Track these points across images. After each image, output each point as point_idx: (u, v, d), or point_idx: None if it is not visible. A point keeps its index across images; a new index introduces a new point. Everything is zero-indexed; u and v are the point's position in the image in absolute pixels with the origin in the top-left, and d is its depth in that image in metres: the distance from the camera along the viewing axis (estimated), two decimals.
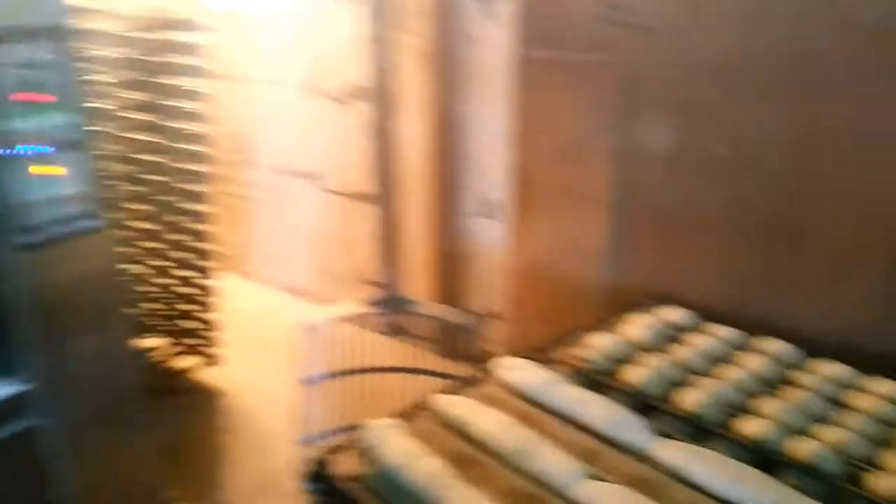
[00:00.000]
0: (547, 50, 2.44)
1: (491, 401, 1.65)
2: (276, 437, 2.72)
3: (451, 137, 3.00)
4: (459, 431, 1.55)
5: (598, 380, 1.79)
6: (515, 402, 1.65)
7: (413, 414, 1.65)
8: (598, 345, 1.91)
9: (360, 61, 2.82)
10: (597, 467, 1.44)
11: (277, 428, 2.75)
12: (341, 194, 3.51)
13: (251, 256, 4.09)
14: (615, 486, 1.36)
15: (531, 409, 1.63)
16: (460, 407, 1.60)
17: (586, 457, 1.47)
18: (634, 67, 2.24)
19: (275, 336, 3.13)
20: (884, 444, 1.55)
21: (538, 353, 1.92)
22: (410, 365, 2.60)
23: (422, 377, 2.56)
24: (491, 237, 2.99)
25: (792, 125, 1.99)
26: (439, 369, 2.57)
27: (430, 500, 1.33)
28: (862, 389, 1.76)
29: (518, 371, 1.74)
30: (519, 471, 1.43)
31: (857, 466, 1.47)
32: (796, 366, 1.87)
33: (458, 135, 2.98)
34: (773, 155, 2.04)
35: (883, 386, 1.75)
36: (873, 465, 1.48)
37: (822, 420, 1.63)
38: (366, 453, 1.51)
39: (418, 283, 3.21)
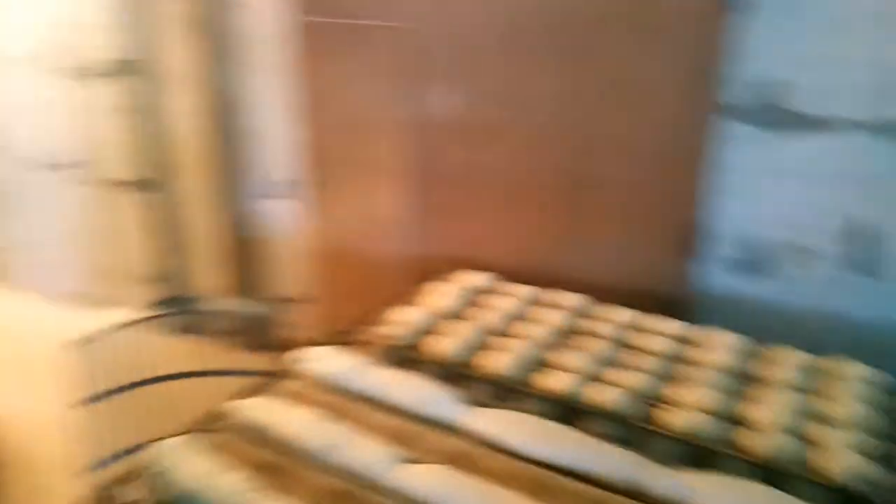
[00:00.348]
0: (328, 15, 2.31)
1: (295, 397, 1.53)
2: (55, 472, 2.38)
3: (230, 114, 2.77)
4: (263, 437, 1.42)
5: (406, 356, 1.75)
6: (322, 395, 1.55)
7: (210, 425, 1.49)
8: (402, 319, 1.86)
9: (112, 31, 2.49)
10: (413, 450, 1.39)
11: (55, 461, 2.41)
12: (104, 183, 3.12)
13: (9, 262, 3.56)
14: (433, 467, 1.32)
15: (339, 399, 1.54)
16: (261, 410, 1.47)
17: (401, 440, 1.41)
18: (422, 32, 2.18)
19: (43, 353, 2.74)
20: (672, 379, 1.66)
21: (343, 337, 1.83)
22: (209, 367, 2.38)
23: (224, 379, 2.36)
24: (286, 218, 2.82)
25: (563, 82, 2.05)
26: (242, 367, 2.38)
27: None
28: (648, 330, 1.87)
29: (321, 361, 1.63)
30: (330, 469, 1.34)
31: (652, 405, 1.56)
32: (588, 315, 1.95)
33: (237, 111, 2.76)
34: (549, 113, 2.09)
35: (666, 325, 1.88)
36: (666, 401, 1.57)
37: (616, 365, 1.71)
38: (157, 478, 1.33)
39: (209, 276, 2.97)
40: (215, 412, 1.51)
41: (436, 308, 1.94)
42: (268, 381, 1.64)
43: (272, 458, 1.36)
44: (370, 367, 1.63)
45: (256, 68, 2.66)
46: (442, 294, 2.01)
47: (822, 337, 1.91)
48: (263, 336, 2.74)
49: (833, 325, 1.97)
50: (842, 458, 1.36)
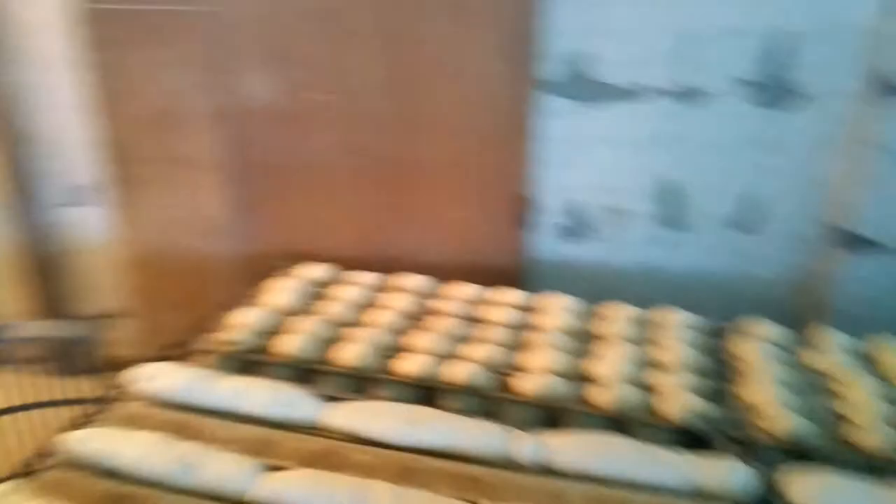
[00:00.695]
0: (115, 2, 2.10)
1: (133, 421, 1.39)
2: None
3: (9, 115, 2.45)
4: (103, 469, 1.28)
5: (251, 360, 1.65)
6: (162, 415, 1.42)
7: (38, 464, 1.31)
8: (241, 322, 1.75)
9: None
10: (273, 457, 1.32)
11: None
12: None
13: None
14: (297, 472, 1.26)
15: (183, 416, 1.42)
16: (97, 439, 1.32)
17: (259, 449, 1.33)
18: (227, 15, 2.05)
19: None
20: (520, 347, 1.71)
21: (176, 350, 1.69)
22: (28, 400, 2.11)
23: (48, 411, 2.10)
24: (93, 227, 2.56)
25: (386, 65, 2.03)
26: (66, 396, 2.13)
27: None
28: (491, 303, 1.92)
29: (157, 378, 1.49)
30: (185, 491, 1.23)
31: (505, 374, 1.60)
32: (434, 295, 1.97)
33: (19, 111, 2.45)
34: (373, 96, 2.07)
35: (507, 296, 1.94)
36: (517, 368, 1.62)
37: (466, 340, 1.74)
38: None
39: (9, 299, 2.63)
40: (43, 449, 1.33)
41: (276, 306, 1.85)
42: (99, 407, 1.47)
43: (117, 489, 1.22)
44: (213, 378, 1.52)
45: (42, 63, 2.38)
46: (281, 291, 1.92)
47: (646, 290, 2.06)
48: (82, 359, 2.48)
49: (654, 277, 2.14)
50: (678, 399, 1.48)
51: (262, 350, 1.68)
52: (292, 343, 1.66)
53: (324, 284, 2.01)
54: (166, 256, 2.35)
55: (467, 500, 1.20)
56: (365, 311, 1.87)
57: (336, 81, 2.06)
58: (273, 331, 1.75)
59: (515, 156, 2.08)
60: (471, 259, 2.12)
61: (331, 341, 1.71)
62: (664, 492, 1.24)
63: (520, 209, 2.12)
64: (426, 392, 1.55)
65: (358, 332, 1.72)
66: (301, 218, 2.22)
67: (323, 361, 1.64)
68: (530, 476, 1.28)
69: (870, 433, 1.39)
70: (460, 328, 1.78)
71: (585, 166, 2.10)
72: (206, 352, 1.68)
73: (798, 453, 1.35)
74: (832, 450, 1.37)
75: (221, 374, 1.54)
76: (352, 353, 1.63)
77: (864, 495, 1.21)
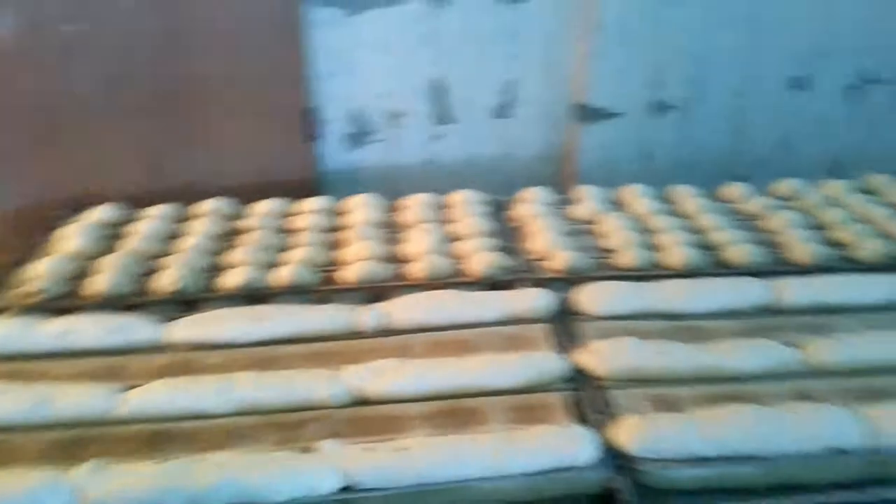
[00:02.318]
0: None
1: None
2: None
3: None
4: None
5: (62, 306, 1.58)
6: None
7: None
8: (39, 273, 1.66)
9: None
10: (124, 379, 1.33)
11: None
12: None
13: None
14: (155, 383, 1.29)
15: (16, 364, 1.36)
16: None
17: (108, 375, 1.33)
18: None
19: None
20: (333, 245, 1.83)
21: None
22: None
23: None
24: None
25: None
26: None
27: None
28: (295, 213, 2.00)
29: None
30: (47, 426, 1.21)
31: (325, 271, 1.72)
32: (237, 215, 2.00)
33: None
34: (133, 19, 1.97)
35: (309, 204, 2.03)
36: (336, 263, 1.75)
37: (280, 249, 1.81)
38: None
39: None
40: None
41: (72, 251, 1.77)
42: None
43: None
44: (30, 325, 1.45)
45: None
46: (73, 236, 1.83)
47: (432, 181, 2.26)
48: None
49: (437, 169, 2.36)
50: (481, 259, 1.71)
51: (70, 295, 1.62)
52: (102, 281, 1.62)
53: (118, 224, 1.94)
54: None
55: (330, 371, 1.32)
56: (169, 241, 1.85)
57: (86, 10, 1.93)
58: (76, 275, 1.68)
59: (293, 69, 2.13)
60: (265, 177, 2.16)
61: (142, 275, 1.69)
62: (488, 324, 1.47)
63: (306, 122, 2.19)
64: (252, 300, 1.61)
65: (169, 260, 1.71)
66: (78, 160, 2.09)
67: (139, 294, 1.63)
68: (376, 338, 1.44)
69: (626, 253, 1.74)
70: (272, 239, 1.84)
71: (362, 73, 2.21)
72: (10, 307, 1.57)
73: (576, 280, 1.65)
74: (600, 270, 1.70)
75: (37, 321, 1.47)
76: (169, 278, 1.63)
77: (628, 290, 1.54)
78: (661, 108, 2.38)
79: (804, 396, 1.28)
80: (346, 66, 2.18)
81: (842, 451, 1.17)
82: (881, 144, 2.67)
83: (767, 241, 1.83)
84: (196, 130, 2.13)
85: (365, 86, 2.21)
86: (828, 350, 1.36)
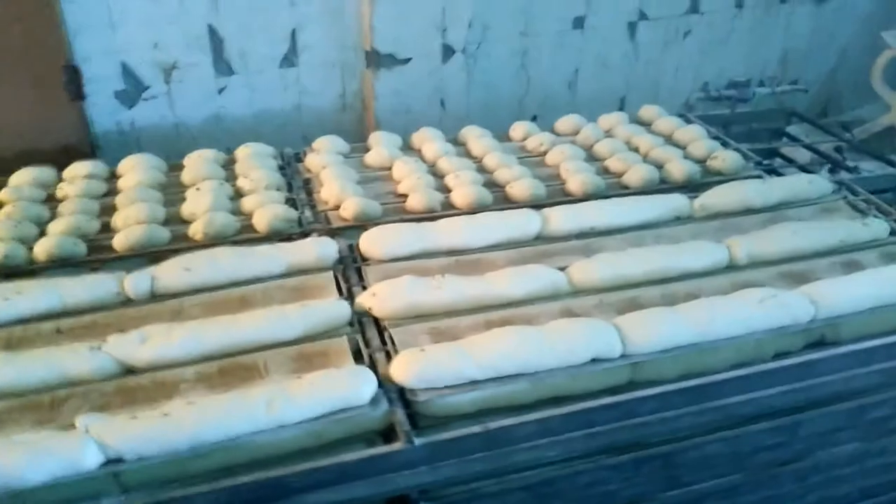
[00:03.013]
0: None
1: None
2: None
3: None
4: None
5: None
6: None
7: None
8: None
9: None
10: None
11: None
12: None
13: None
14: None
15: None
16: None
17: None
18: None
19: None
20: (104, 212, 1.70)
21: None
22: None
23: None
24: None
25: None
26: None
27: None
28: (64, 180, 1.83)
29: None
30: None
31: (96, 239, 1.59)
32: None
33: None
34: None
35: (78, 169, 1.86)
36: (108, 230, 1.62)
37: (44, 220, 1.66)
38: None
39: None
40: None
41: None
42: None
43: None
44: None
45: None
46: None
47: (217, 137, 2.16)
48: None
49: (222, 124, 2.24)
50: (266, 213, 1.66)
51: None
52: None
53: None
54: None
55: (92, 344, 1.23)
56: None
57: None
58: None
59: (47, 24, 1.92)
60: (29, 143, 1.95)
61: None
62: (272, 278, 1.44)
63: (69, 80, 1.99)
64: (11, 275, 1.47)
65: None
66: None
67: None
68: (146, 305, 1.36)
69: (415, 197, 1.76)
70: (33, 210, 1.68)
71: (128, 24, 2.04)
72: None
73: (366, 227, 1.64)
74: (389, 215, 1.71)
75: None
76: None
77: (407, 231, 1.56)
78: (449, 52, 2.40)
79: (570, 314, 1.37)
80: (110, 16, 1.99)
81: (599, 361, 1.27)
82: (658, 79, 2.90)
83: (547, 176, 1.92)
84: None
85: (133, 37, 2.04)
86: (589, 269, 1.46)
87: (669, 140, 2.13)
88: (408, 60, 2.35)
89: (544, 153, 2.06)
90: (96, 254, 1.56)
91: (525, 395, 1.24)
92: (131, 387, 1.18)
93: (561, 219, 1.63)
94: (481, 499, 1.25)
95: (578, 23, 2.63)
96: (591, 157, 2.05)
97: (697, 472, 1.41)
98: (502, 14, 2.48)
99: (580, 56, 2.72)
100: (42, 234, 1.59)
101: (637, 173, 1.90)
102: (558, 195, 1.84)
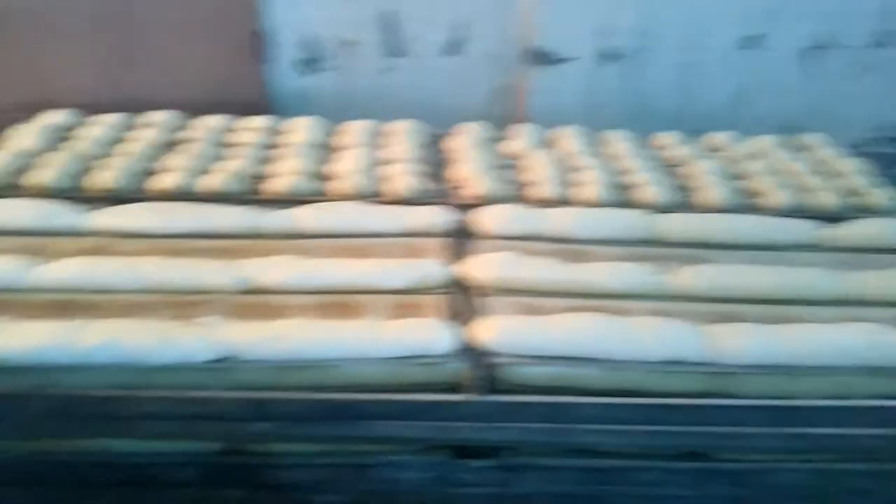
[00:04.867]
0: None
1: None
2: None
3: None
4: None
5: (3, 195, 1.69)
6: None
7: None
8: None
9: None
10: (44, 257, 1.45)
11: None
12: None
13: None
14: (71, 260, 1.41)
15: None
16: None
17: (28, 252, 1.45)
18: None
19: None
20: (268, 160, 1.93)
21: None
22: None
23: None
24: None
25: None
26: None
27: None
28: (237, 129, 2.10)
29: None
30: None
31: (256, 181, 1.82)
32: (181, 127, 2.09)
33: None
34: None
35: (252, 122, 2.12)
36: (267, 175, 1.85)
37: (217, 159, 1.92)
38: None
39: None
40: None
41: (21, 149, 1.88)
42: None
43: None
44: None
45: None
46: (24, 136, 1.93)
47: (377, 112, 2.35)
48: None
49: (384, 101, 2.44)
50: (401, 182, 1.81)
51: (13, 186, 1.73)
52: (44, 175, 1.73)
53: (67, 128, 2.04)
54: None
55: (230, 262, 1.44)
56: (113, 146, 1.95)
57: None
58: (22, 170, 1.79)
59: None
60: (213, 96, 2.24)
61: (83, 172, 1.79)
62: (390, 236, 1.58)
63: (257, 44, 2.27)
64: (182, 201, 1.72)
65: (110, 161, 1.82)
66: (35, 68, 2.18)
67: (78, 188, 1.74)
68: (279, 240, 1.55)
69: (541, 186, 1.83)
70: (210, 150, 1.95)
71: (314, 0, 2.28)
72: None
73: (485, 205, 1.75)
74: (510, 198, 1.79)
75: None
76: (105, 177, 1.74)
77: (521, 213, 1.64)
78: (610, 56, 2.44)
79: (662, 315, 1.38)
80: None
81: (678, 363, 1.28)
82: (833, 108, 2.73)
83: (680, 186, 1.92)
84: (145, 47, 2.21)
85: (317, 12, 2.28)
86: (692, 276, 1.46)
87: (823, 169, 2.04)
88: (565, 60, 2.42)
89: (683, 164, 2.05)
90: (252, 195, 1.78)
91: (598, 381, 1.28)
92: (252, 302, 1.36)
93: (679, 225, 1.64)
94: (538, 470, 1.31)
95: (751, 42, 2.56)
96: (733, 175, 2.01)
97: (767, 499, 1.38)
98: (669, 24, 2.47)
99: (748, 76, 2.64)
100: (212, 171, 1.84)
101: (776, 196, 1.85)
102: (687, 207, 1.83)
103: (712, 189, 1.85)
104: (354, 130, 2.10)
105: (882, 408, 1.27)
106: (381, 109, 2.40)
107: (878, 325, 1.34)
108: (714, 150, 2.18)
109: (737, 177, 2.00)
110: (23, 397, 1.17)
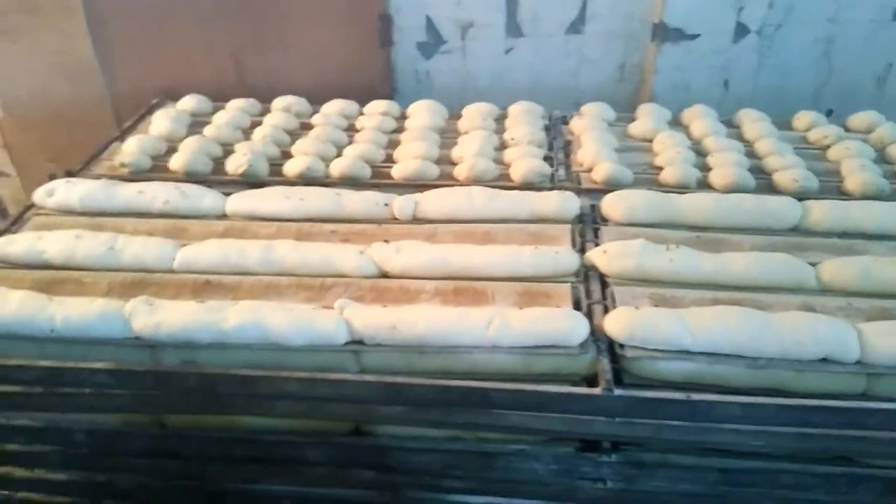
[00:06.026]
0: None
1: (49, 227, 1.54)
2: None
3: None
4: (32, 264, 1.44)
5: (142, 177, 1.78)
6: (75, 220, 1.58)
7: None
8: (128, 149, 1.87)
9: None
10: (185, 238, 1.52)
11: None
12: None
13: None
14: (209, 242, 1.47)
15: (94, 220, 1.59)
16: (16, 243, 1.47)
17: (171, 234, 1.53)
18: None
19: None
20: (392, 144, 1.95)
21: (74, 175, 1.81)
22: None
23: None
24: None
25: None
26: None
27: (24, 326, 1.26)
28: (363, 114, 2.12)
29: (62, 190, 1.63)
30: (116, 269, 1.43)
31: (379, 166, 1.84)
32: (308, 112, 2.14)
33: None
34: None
35: (377, 106, 2.14)
36: (391, 160, 1.86)
37: (342, 143, 1.95)
38: None
39: None
40: None
41: (159, 133, 1.97)
42: (14, 222, 1.61)
43: (51, 276, 1.40)
44: (112, 186, 1.66)
45: None
46: (161, 120, 2.03)
47: (500, 94, 2.31)
48: None
49: (506, 82, 2.40)
50: (523, 165, 1.77)
51: (151, 169, 1.83)
52: (179, 159, 1.81)
53: (201, 113, 2.13)
54: (36, 107, 2.38)
55: (359, 247, 1.46)
56: (245, 130, 2.02)
57: None
58: (159, 153, 1.89)
59: None
60: (340, 80, 2.28)
61: (216, 157, 1.87)
62: (515, 221, 1.56)
63: (384, 29, 2.28)
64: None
65: (240, 146, 1.88)
66: (168, 55, 2.29)
67: (211, 172, 1.81)
68: (406, 225, 1.56)
69: (670, 170, 1.75)
70: (335, 134, 1.98)
71: None
72: (101, 176, 1.79)
73: (615, 188, 1.69)
74: (639, 183, 1.73)
75: (118, 184, 1.68)
76: (236, 162, 1.80)
77: (652, 199, 1.57)
78: (743, 31, 2.29)
79: (810, 310, 1.29)
80: None
81: (831, 362, 1.19)
82: None
83: (825, 171, 1.79)
84: (275, 34, 2.26)
85: None
86: (843, 268, 1.35)
87: None
88: (696, 36, 2.29)
89: (827, 147, 1.91)
90: (378, 178, 1.80)
91: (740, 378, 1.21)
92: (383, 287, 1.37)
93: (824, 213, 1.52)
94: (672, 468, 1.26)
95: None
96: (882, 160, 1.85)
97: None
98: None
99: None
100: (339, 154, 1.87)
101: None
102: (833, 193, 1.70)
103: (859, 174, 1.71)
104: (475, 113, 2.08)
105: None
106: (503, 91, 2.37)
107: None
108: (860, 131, 2.01)
109: (889, 162, 1.84)
110: (170, 375, 1.23)
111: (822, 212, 1.53)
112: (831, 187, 1.73)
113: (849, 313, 1.29)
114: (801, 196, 1.64)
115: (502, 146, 1.92)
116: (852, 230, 1.51)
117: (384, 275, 1.42)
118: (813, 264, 1.39)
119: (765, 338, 1.19)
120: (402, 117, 2.11)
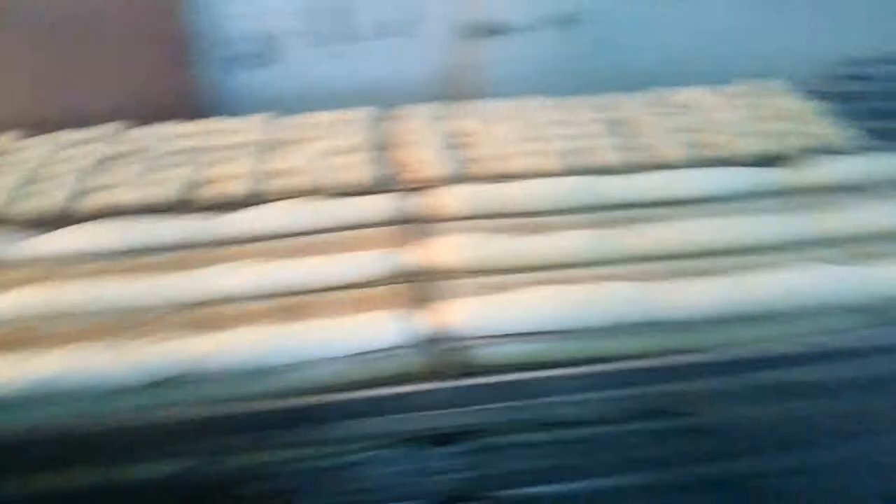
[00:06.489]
0: None
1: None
2: None
3: None
4: None
5: None
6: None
7: None
8: None
9: None
10: None
11: None
12: None
13: None
14: (15, 292, 1.36)
15: None
16: None
17: None
18: None
19: None
20: (211, 165, 1.87)
21: None
22: None
23: None
24: None
25: None
26: None
27: None
28: (182, 135, 2.02)
29: None
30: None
31: (201, 186, 1.76)
32: (123, 139, 2.01)
33: None
34: None
35: (197, 126, 2.05)
36: (211, 180, 1.79)
37: (159, 169, 1.84)
38: None
39: None
40: None
41: None
42: None
43: None
44: None
45: None
46: None
47: (327, 101, 2.27)
48: None
49: (332, 93, 2.37)
50: (349, 171, 1.76)
51: None
52: None
53: (7, 152, 1.97)
54: None
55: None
56: (53, 165, 1.88)
57: None
58: None
59: None
60: (149, 101, 2.16)
61: (19, 198, 1.72)
62: (335, 230, 1.54)
63: (195, 43, 2.19)
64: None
65: (47, 185, 1.75)
66: None
67: (14, 213, 1.67)
68: (229, 246, 1.51)
69: (496, 161, 1.80)
70: (153, 160, 1.88)
71: None
72: None
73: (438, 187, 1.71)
74: (464, 177, 1.76)
75: None
76: (43, 200, 1.68)
77: (475, 191, 1.63)
78: (568, 20, 2.36)
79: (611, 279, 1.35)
80: None
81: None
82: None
83: (636, 145, 1.89)
84: (78, 58, 2.13)
85: (247, 7, 2.20)
86: (640, 236, 1.45)
87: (779, 115, 2.02)
88: (518, 29, 2.35)
89: (638, 123, 2.01)
90: (201, 201, 1.71)
91: (562, 352, 1.25)
92: (206, 315, 1.31)
93: (627, 184, 1.63)
94: (520, 447, 1.30)
95: None
96: (688, 129, 1.97)
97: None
98: None
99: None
100: (157, 181, 1.77)
101: (734, 145, 1.83)
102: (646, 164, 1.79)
103: (667, 145, 1.83)
104: (298, 124, 2.04)
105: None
106: (327, 99, 2.34)
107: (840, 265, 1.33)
108: (684, 106, 2.13)
109: (692, 130, 1.98)
110: None
111: (621, 184, 1.63)
112: (641, 161, 1.82)
113: (647, 276, 1.36)
114: (613, 172, 1.72)
115: (326, 155, 1.89)
116: (654, 199, 1.61)
117: (207, 302, 1.36)
118: (625, 234, 1.47)
119: (582, 309, 1.25)
120: (223, 134, 2.03)
